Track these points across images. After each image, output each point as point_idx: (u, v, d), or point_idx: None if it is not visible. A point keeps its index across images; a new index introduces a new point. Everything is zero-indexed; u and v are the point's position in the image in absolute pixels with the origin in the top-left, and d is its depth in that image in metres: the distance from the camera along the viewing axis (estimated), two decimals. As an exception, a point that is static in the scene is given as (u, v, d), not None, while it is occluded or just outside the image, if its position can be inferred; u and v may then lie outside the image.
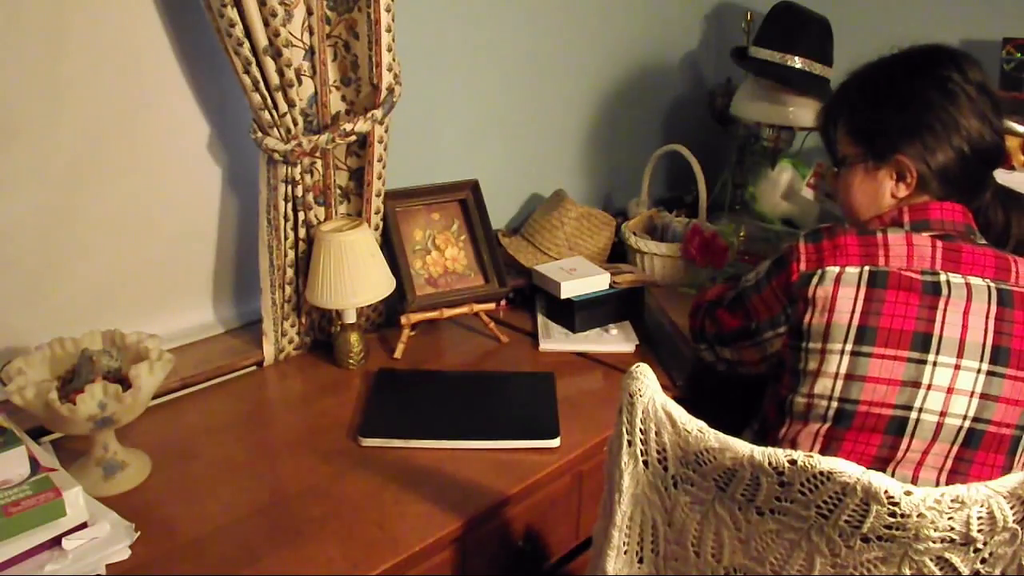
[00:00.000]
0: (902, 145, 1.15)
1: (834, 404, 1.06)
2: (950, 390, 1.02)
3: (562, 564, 1.38)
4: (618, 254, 1.97)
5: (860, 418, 1.04)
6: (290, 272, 1.52)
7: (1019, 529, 0.81)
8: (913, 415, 1.03)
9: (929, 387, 1.03)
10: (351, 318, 1.54)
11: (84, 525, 1.02)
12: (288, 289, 1.53)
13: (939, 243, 1.08)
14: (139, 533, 1.06)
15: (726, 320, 1.29)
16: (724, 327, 1.30)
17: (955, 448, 1.03)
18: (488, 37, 1.87)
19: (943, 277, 1.05)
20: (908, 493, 0.77)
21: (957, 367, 1.02)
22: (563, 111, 2.10)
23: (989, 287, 1.05)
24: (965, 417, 1.02)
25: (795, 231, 2.06)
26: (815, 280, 1.09)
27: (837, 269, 1.08)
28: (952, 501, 0.78)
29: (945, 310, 1.03)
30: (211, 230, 1.56)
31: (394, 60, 1.46)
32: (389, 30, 1.43)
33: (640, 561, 0.95)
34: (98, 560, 1.02)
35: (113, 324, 1.30)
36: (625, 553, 0.94)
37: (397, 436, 1.31)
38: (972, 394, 1.02)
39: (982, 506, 0.79)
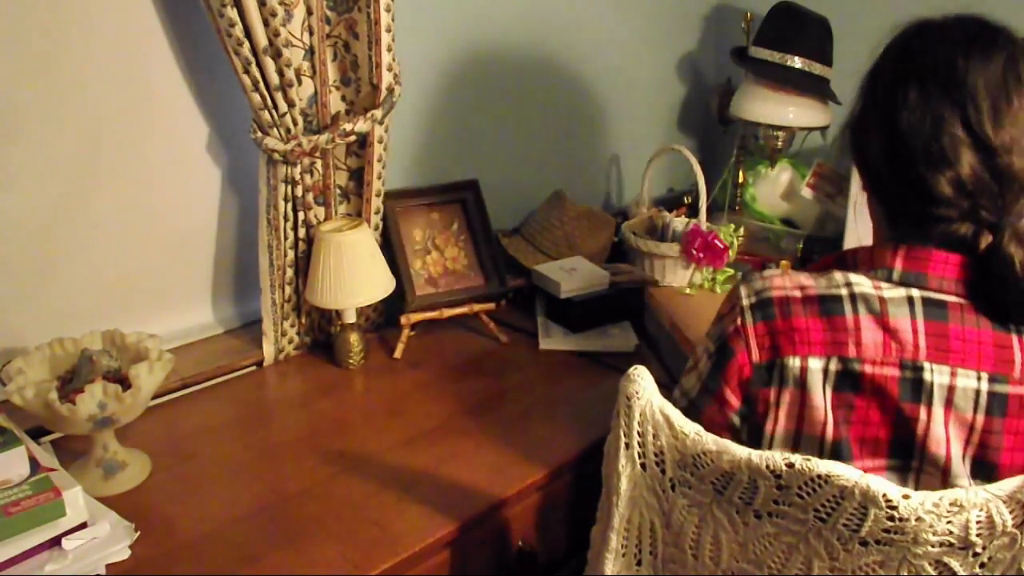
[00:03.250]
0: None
1: None
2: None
3: (560, 566, 1.38)
4: (618, 254, 1.97)
5: None
6: (290, 272, 1.52)
7: (1018, 533, 0.81)
8: None
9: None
10: (351, 318, 1.54)
11: (84, 525, 1.02)
12: (288, 289, 1.53)
13: (922, 325, 0.85)
14: (139, 533, 1.06)
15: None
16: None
17: None
18: (488, 37, 1.87)
19: (927, 374, 0.84)
20: (906, 497, 0.77)
21: (945, 482, 0.87)
22: (563, 111, 2.10)
23: (977, 392, 0.84)
24: None
25: (795, 231, 2.06)
26: (774, 379, 0.88)
27: (798, 363, 0.86)
28: (951, 505, 0.78)
29: (928, 422, 0.85)
30: (211, 230, 1.56)
31: (394, 60, 1.46)
32: (389, 30, 1.43)
33: (638, 564, 0.95)
34: (98, 560, 1.02)
35: (113, 324, 1.30)
36: (623, 556, 0.94)
37: None
38: None
39: (981, 510, 0.79)
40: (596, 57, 2.14)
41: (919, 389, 0.85)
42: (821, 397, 0.86)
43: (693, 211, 2.07)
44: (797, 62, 1.93)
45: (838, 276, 0.89)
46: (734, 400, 0.91)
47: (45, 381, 1.17)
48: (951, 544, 0.80)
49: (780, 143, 2.08)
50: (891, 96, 0.90)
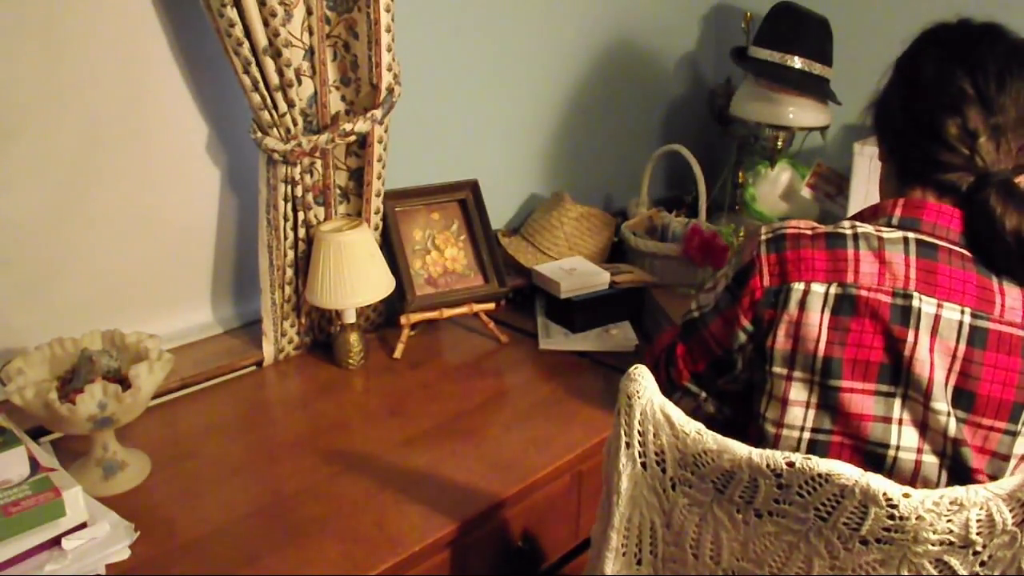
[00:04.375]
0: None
1: (806, 435, 0.98)
2: (923, 425, 0.94)
3: (561, 565, 1.38)
4: (618, 254, 1.97)
5: (835, 449, 0.97)
6: (290, 272, 1.52)
7: (1018, 532, 0.81)
8: (890, 453, 0.95)
9: (900, 421, 0.95)
10: (351, 318, 1.54)
11: (84, 525, 1.02)
12: (288, 289, 1.53)
13: (913, 260, 0.96)
14: (139, 533, 1.06)
15: (688, 363, 1.13)
16: (690, 369, 1.13)
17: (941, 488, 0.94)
18: (488, 37, 1.87)
19: (915, 302, 0.94)
20: (907, 496, 0.77)
21: (926, 407, 0.93)
22: (563, 111, 2.10)
23: (961, 324, 0.94)
24: (944, 455, 0.94)
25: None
26: (780, 302, 0.98)
27: (802, 287, 0.97)
28: (951, 504, 0.78)
29: (915, 344, 0.93)
30: (211, 230, 1.56)
31: (394, 60, 1.46)
32: (389, 30, 1.43)
33: (639, 563, 0.95)
34: (98, 560, 1.02)
35: (113, 324, 1.30)
36: (623, 555, 0.94)
37: None
38: (945, 436, 0.93)
39: (981, 509, 0.79)
40: (596, 57, 2.14)
41: (908, 314, 0.94)
42: (817, 316, 0.96)
43: (693, 211, 2.07)
44: (797, 62, 1.93)
45: (845, 222, 1.02)
46: (744, 320, 1.02)
47: (45, 381, 1.17)
48: (951, 543, 0.80)
49: (780, 143, 2.08)
50: (913, 63, 1.05)
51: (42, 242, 1.34)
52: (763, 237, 1.03)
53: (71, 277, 1.39)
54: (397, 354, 1.60)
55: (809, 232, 1.01)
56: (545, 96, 2.05)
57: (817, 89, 1.95)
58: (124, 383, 1.16)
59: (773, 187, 2.20)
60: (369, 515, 1.16)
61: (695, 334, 1.11)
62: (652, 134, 2.39)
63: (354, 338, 1.55)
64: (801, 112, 1.97)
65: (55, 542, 1.00)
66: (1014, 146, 0.99)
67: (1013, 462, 0.94)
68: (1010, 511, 0.79)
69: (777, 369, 0.99)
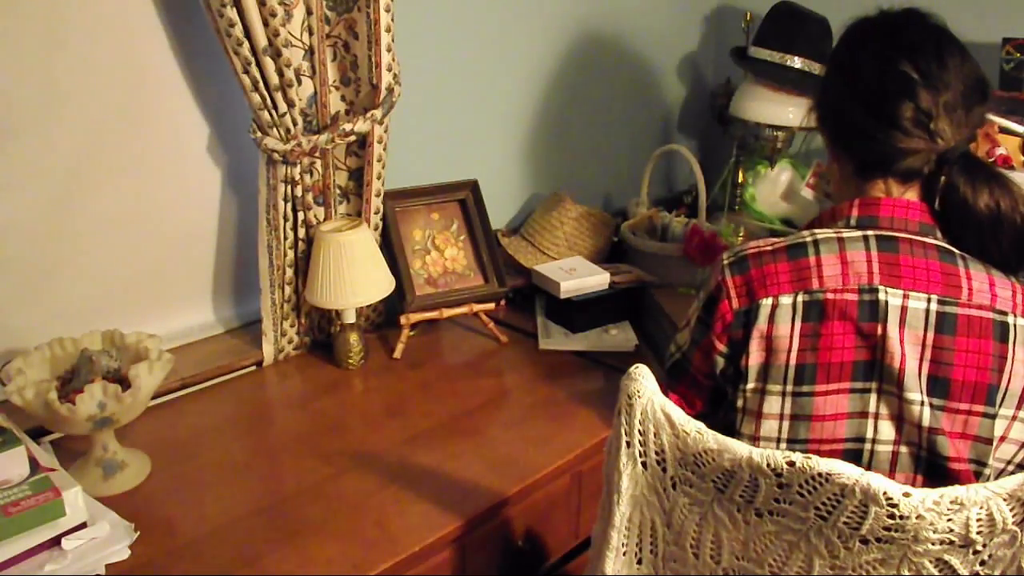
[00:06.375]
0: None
1: (783, 447, 0.98)
2: (899, 418, 0.95)
3: (561, 564, 1.38)
4: (618, 254, 1.97)
5: None
6: (290, 272, 1.52)
7: (1018, 531, 0.81)
8: (867, 447, 0.96)
9: (876, 416, 0.95)
10: (351, 318, 1.54)
11: (84, 525, 1.02)
12: (288, 289, 1.53)
13: (875, 256, 0.97)
14: (139, 533, 1.06)
15: (685, 408, 1.05)
16: (691, 414, 1.10)
17: (919, 479, 0.96)
18: (488, 37, 1.87)
19: (881, 295, 0.95)
20: (907, 495, 0.77)
21: (900, 397, 0.94)
22: (563, 111, 2.10)
23: (927, 311, 0.94)
24: (920, 447, 0.94)
25: (793, 232, 2.06)
26: (750, 320, 0.99)
27: (770, 302, 0.97)
28: (951, 503, 0.78)
29: (884, 337, 0.94)
30: (211, 230, 1.56)
31: (393, 60, 1.46)
32: (388, 30, 1.43)
33: (639, 562, 0.95)
34: (98, 560, 1.02)
35: (113, 324, 1.30)
36: (624, 554, 0.94)
37: None
38: (919, 427, 0.94)
39: (981, 508, 0.79)
40: (596, 57, 2.14)
41: (875, 309, 0.95)
42: (787, 327, 0.97)
43: (693, 211, 2.07)
44: (797, 62, 1.93)
45: (804, 231, 1.03)
46: (720, 344, 1.02)
47: (45, 381, 1.17)
48: (952, 542, 0.80)
49: (780, 143, 2.08)
50: (851, 59, 1.06)
51: (42, 242, 1.34)
52: (726, 261, 1.03)
53: (71, 277, 1.39)
54: (397, 354, 1.60)
55: (769, 248, 1.01)
56: (545, 96, 2.05)
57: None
58: (124, 383, 1.16)
59: (773, 187, 2.20)
60: (369, 515, 1.16)
61: (684, 374, 1.10)
62: (652, 134, 2.39)
63: (354, 338, 1.55)
64: (801, 112, 1.97)
65: (55, 542, 1.00)
66: (964, 119, 0.99)
67: (995, 443, 0.94)
68: (1010, 510, 0.79)
69: (751, 384, 0.99)
